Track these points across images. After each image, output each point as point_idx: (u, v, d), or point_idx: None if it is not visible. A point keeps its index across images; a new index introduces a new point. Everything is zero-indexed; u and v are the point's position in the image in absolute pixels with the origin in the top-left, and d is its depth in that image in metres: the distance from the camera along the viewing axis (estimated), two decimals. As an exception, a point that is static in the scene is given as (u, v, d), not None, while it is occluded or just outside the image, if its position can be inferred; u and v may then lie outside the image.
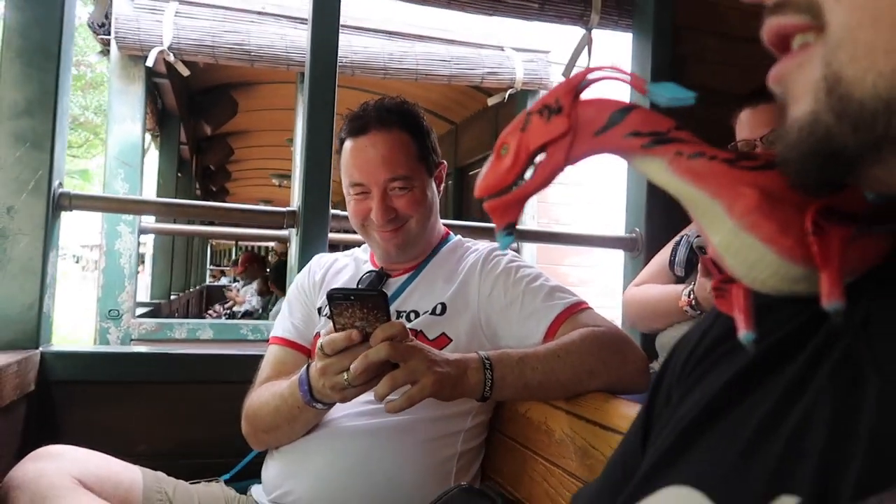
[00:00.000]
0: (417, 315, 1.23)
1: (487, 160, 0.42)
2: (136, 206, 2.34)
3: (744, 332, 0.38)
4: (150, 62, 3.20)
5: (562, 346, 1.05)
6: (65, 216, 1.46)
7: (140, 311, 3.96)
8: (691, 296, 1.42)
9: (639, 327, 1.69)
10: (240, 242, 14.08)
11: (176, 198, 5.46)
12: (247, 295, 6.60)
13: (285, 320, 1.34)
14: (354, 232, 1.35)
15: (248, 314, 6.16)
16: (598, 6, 1.93)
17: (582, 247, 3.67)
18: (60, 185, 1.42)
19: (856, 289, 0.36)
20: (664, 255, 1.65)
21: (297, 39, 3.42)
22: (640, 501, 0.41)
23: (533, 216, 3.80)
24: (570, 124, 0.39)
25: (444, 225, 1.39)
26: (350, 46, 3.41)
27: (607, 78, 0.40)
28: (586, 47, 1.88)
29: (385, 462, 1.12)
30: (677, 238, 1.63)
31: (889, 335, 0.34)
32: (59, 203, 1.41)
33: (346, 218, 1.66)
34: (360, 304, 0.96)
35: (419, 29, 3.72)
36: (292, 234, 1.68)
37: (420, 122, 1.29)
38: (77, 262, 23.95)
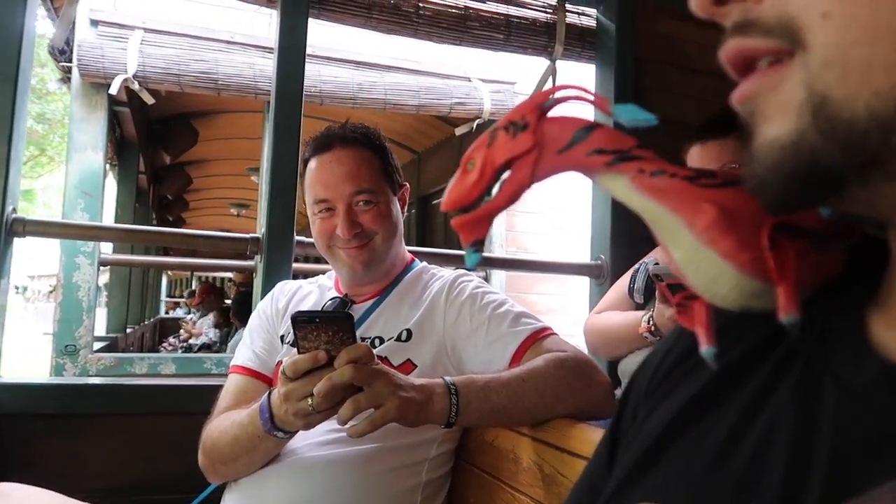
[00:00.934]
0: (382, 341, 1.22)
1: (454, 175, 0.42)
2: (94, 233, 2.28)
3: (705, 348, 0.38)
4: (113, 90, 3.15)
5: (527, 371, 1.05)
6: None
7: (97, 345, 3.84)
8: (650, 322, 1.44)
9: (600, 354, 1.71)
10: (197, 273, 13.87)
11: (134, 228, 5.35)
12: (203, 327, 6.46)
13: (246, 349, 1.31)
14: (319, 260, 1.34)
15: (205, 347, 6.01)
16: (561, 38, 1.98)
17: (550, 275, 3.69)
18: (14, 210, 1.38)
19: (814, 303, 0.37)
20: (623, 282, 1.67)
21: (266, 68, 3.41)
22: None
23: (501, 245, 3.82)
24: (536, 141, 0.39)
25: (409, 251, 1.39)
26: (319, 76, 3.42)
27: (572, 98, 0.41)
28: (551, 77, 1.92)
29: (348, 493, 1.09)
30: (636, 266, 1.66)
31: (845, 347, 0.35)
32: (12, 229, 1.38)
33: (311, 245, 1.66)
34: (325, 327, 0.94)
35: (388, 59, 3.76)
36: (257, 262, 1.66)
37: (383, 142, 1.30)
38: (18, 292, 23.23)
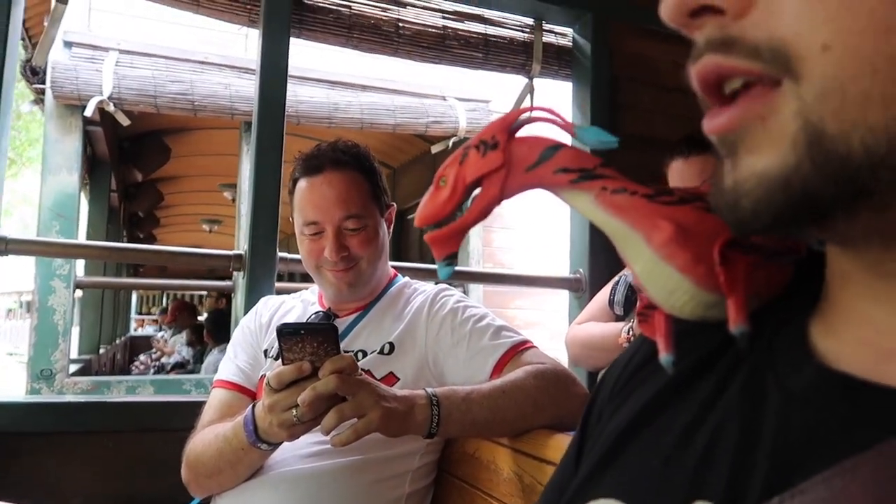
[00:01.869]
0: (365, 354, 1.23)
1: (427, 192, 0.44)
2: (76, 251, 2.26)
3: (664, 355, 0.41)
4: (88, 112, 3.13)
5: (507, 382, 1.07)
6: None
7: (71, 368, 3.77)
8: (630, 332, 1.47)
9: (581, 365, 1.74)
10: (168, 290, 13.61)
11: (105, 247, 5.26)
12: (176, 345, 6.33)
13: (230, 363, 1.31)
14: (304, 279, 1.34)
15: (179, 366, 5.87)
16: (538, 56, 2.02)
17: (528, 290, 3.71)
18: (-4, 228, 1.37)
19: (762, 314, 0.39)
20: (604, 294, 1.70)
21: (242, 88, 3.42)
22: None
23: (478, 260, 3.84)
24: (505, 159, 0.41)
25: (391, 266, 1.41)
26: (295, 96, 3.44)
27: (539, 119, 0.42)
28: (529, 94, 1.96)
29: None
30: (616, 278, 1.69)
31: (787, 354, 0.37)
32: (-5, 247, 1.37)
33: (294, 261, 1.66)
34: (310, 339, 0.95)
35: (364, 79, 3.78)
36: (238, 278, 1.66)
37: (373, 163, 1.32)
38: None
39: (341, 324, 1.29)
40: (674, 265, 0.39)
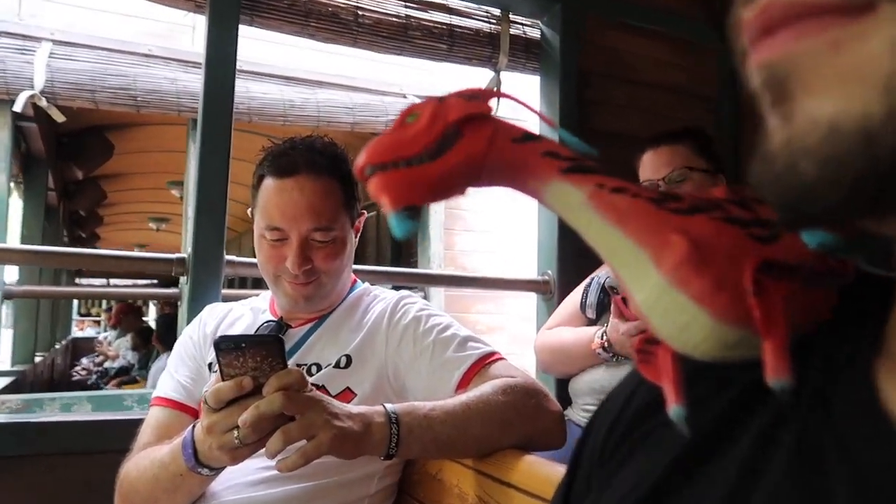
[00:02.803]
0: (320, 368, 1.15)
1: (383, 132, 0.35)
2: (4, 256, 2.08)
3: (674, 407, 0.32)
4: (17, 107, 2.93)
5: (474, 397, 0.99)
6: None
7: (1, 382, 3.54)
8: (604, 338, 1.42)
9: (552, 372, 1.68)
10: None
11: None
12: (121, 349, 6.12)
13: (170, 378, 1.20)
14: (257, 284, 1.25)
15: (123, 371, 5.67)
16: (506, 49, 1.96)
17: (491, 294, 3.67)
18: None
19: (804, 353, 0.30)
20: (575, 297, 1.65)
21: (190, 84, 3.27)
22: None
23: (439, 264, 3.77)
24: (493, 119, 0.34)
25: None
26: (247, 92, 3.31)
27: (513, 99, 0.37)
28: (495, 88, 1.89)
29: None
30: (587, 280, 1.64)
31: (854, 415, 0.27)
32: None
33: (244, 265, 1.56)
34: (252, 353, 0.86)
35: (320, 75, 3.66)
36: (182, 283, 1.54)
37: (349, 167, 1.22)
38: None
39: (294, 335, 1.21)
40: (688, 293, 0.29)
